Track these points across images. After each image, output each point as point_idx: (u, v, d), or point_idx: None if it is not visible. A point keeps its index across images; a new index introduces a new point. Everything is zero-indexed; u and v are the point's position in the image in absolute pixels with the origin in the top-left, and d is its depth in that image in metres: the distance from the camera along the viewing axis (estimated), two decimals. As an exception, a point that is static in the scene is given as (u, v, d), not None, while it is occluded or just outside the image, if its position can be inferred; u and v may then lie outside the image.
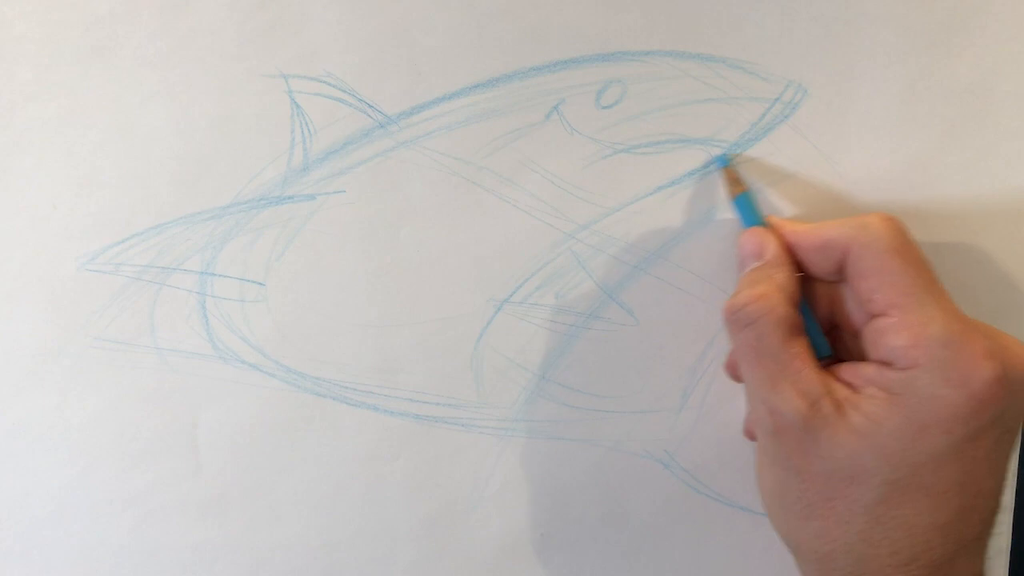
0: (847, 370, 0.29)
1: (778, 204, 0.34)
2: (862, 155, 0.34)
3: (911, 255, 0.28)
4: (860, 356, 0.30)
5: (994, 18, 0.33)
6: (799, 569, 0.31)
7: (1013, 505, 0.37)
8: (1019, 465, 0.37)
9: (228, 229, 0.34)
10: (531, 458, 0.36)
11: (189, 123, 0.33)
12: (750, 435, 0.35)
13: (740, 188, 0.33)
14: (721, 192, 0.34)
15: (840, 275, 0.30)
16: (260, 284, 0.34)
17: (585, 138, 0.33)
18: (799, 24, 0.33)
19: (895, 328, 0.28)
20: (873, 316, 0.29)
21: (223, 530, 0.36)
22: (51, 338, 0.34)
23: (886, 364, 0.28)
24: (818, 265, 0.30)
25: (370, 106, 0.33)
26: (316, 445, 0.36)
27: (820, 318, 0.32)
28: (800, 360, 0.29)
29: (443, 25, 0.32)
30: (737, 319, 0.30)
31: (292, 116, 0.33)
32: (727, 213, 0.34)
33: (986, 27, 0.33)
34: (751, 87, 0.33)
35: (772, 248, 0.31)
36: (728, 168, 0.33)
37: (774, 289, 0.30)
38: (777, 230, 0.32)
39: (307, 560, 0.37)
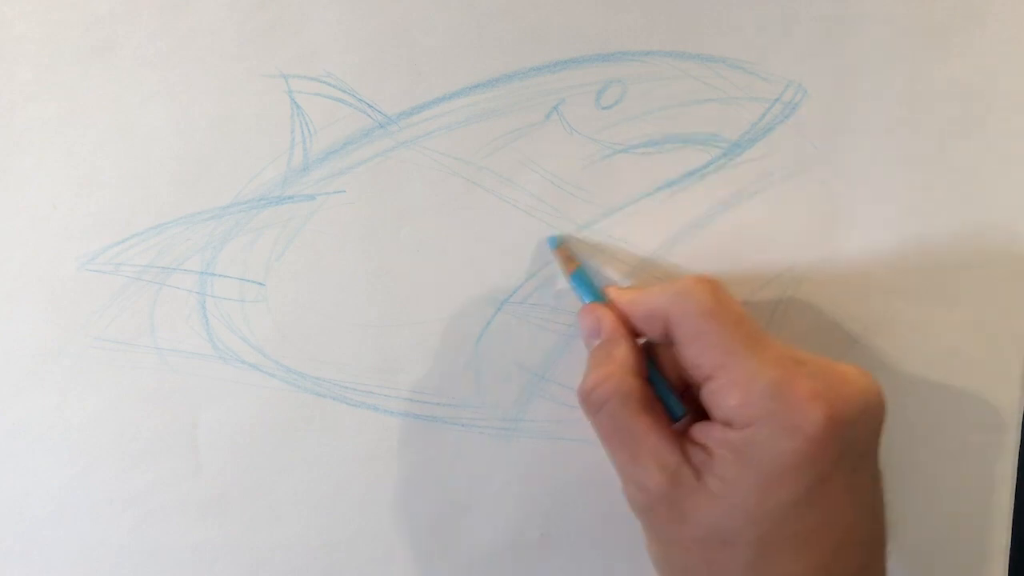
0: (700, 431, 0.29)
1: (782, 203, 0.34)
2: (862, 155, 0.34)
3: (726, 314, 0.29)
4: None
5: (994, 18, 0.33)
6: None
7: (1013, 505, 0.37)
8: (1019, 465, 0.37)
9: (228, 229, 0.34)
10: (531, 458, 0.36)
11: (189, 123, 0.33)
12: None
13: (574, 265, 0.33)
14: (559, 271, 0.34)
15: (669, 342, 0.31)
16: (260, 284, 0.34)
17: (585, 138, 0.33)
18: (799, 24, 0.33)
19: (724, 389, 0.28)
20: (705, 379, 0.29)
21: (223, 530, 0.36)
22: (51, 338, 0.34)
23: (727, 424, 0.28)
24: (653, 333, 0.31)
25: (370, 106, 0.33)
26: (316, 445, 0.36)
27: (670, 377, 0.32)
28: (655, 433, 0.29)
29: (443, 25, 0.32)
30: (589, 404, 0.31)
31: (292, 116, 0.33)
32: (727, 213, 0.34)
33: (986, 27, 0.33)
34: (751, 87, 0.33)
35: (607, 323, 0.31)
36: (560, 248, 0.34)
37: (616, 367, 0.30)
38: (616, 301, 0.32)
39: (307, 560, 0.37)
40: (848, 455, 0.28)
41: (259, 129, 0.33)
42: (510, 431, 0.36)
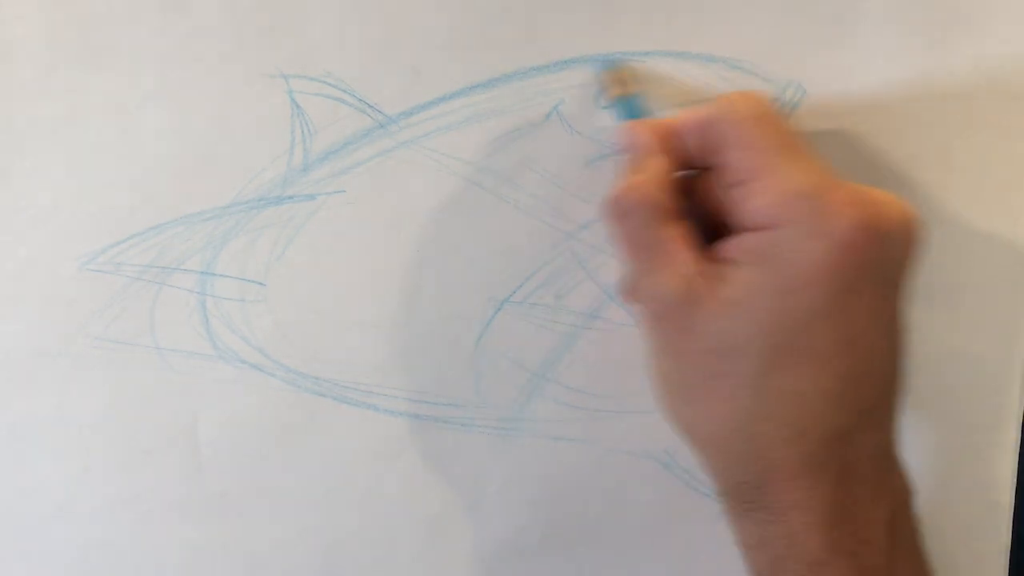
0: (725, 245, 0.28)
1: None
2: (862, 155, 0.34)
3: (770, 121, 0.28)
4: None
5: (994, 18, 0.33)
6: (698, 462, 0.30)
7: (1013, 505, 0.37)
8: (1019, 464, 0.37)
9: (228, 229, 0.34)
10: (531, 458, 0.36)
11: (189, 123, 0.33)
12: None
13: (623, 89, 0.32)
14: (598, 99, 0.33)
15: (714, 159, 0.30)
16: (260, 284, 0.34)
17: (585, 138, 0.33)
18: (799, 24, 0.33)
19: (757, 190, 0.27)
20: (740, 184, 0.28)
21: (223, 530, 0.36)
22: (51, 338, 0.34)
23: (752, 229, 0.27)
24: (697, 149, 0.30)
25: (370, 106, 0.33)
26: (316, 445, 0.36)
27: (708, 216, 0.31)
28: (673, 243, 0.28)
29: (443, 25, 0.32)
30: (614, 209, 0.29)
31: (292, 116, 0.33)
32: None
33: (986, 27, 0.33)
34: (751, 87, 0.33)
35: (643, 137, 0.30)
36: (612, 70, 0.32)
37: (645, 178, 0.29)
38: (657, 120, 0.31)
39: (307, 560, 0.37)
40: (877, 274, 0.26)
41: (259, 129, 0.33)
42: (510, 431, 0.36)
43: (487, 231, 0.34)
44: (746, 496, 0.28)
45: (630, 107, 0.32)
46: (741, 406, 0.27)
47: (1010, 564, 0.38)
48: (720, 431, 0.28)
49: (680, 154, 0.30)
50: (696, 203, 0.31)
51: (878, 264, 0.26)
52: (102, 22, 0.31)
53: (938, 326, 0.35)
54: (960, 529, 0.37)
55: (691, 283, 0.28)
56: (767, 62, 0.33)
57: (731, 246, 0.28)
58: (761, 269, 0.27)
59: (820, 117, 0.33)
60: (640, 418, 0.36)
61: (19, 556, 0.36)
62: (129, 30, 0.32)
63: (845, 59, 0.33)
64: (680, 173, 0.30)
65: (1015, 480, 0.37)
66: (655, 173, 0.29)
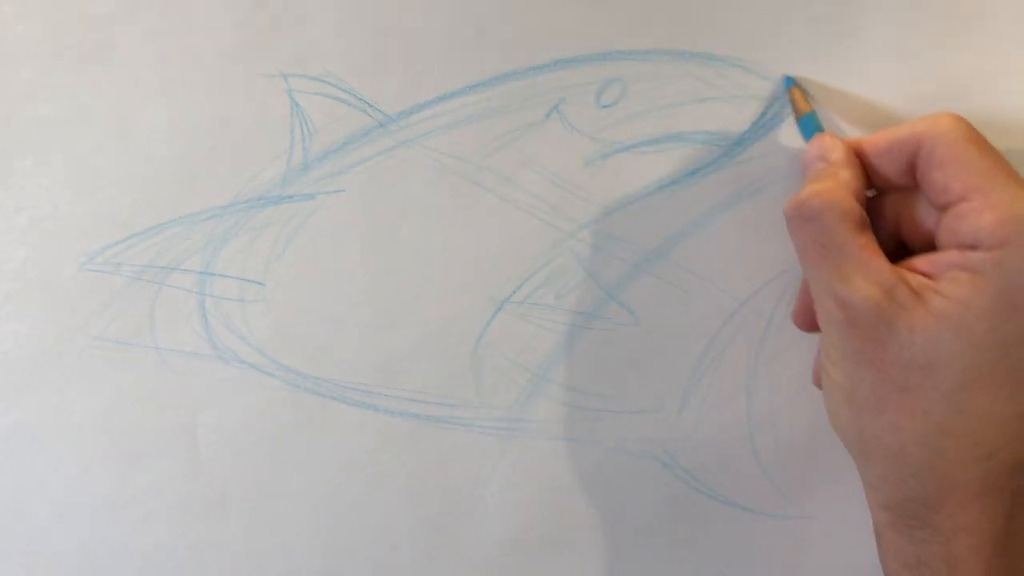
0: (921, 261, 0.28)
1: (782, 202, 0.34)
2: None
3: (984, 143, 0.28)
4: None
5: (994, 18, 0.33)
6: (863, 477, 0.29)
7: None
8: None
9: (228, 229, 0.34)
10: (531, 458, 0.36)
11: (189, 123, 0.33)
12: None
13: (808, 107, 0.32)
14: (789, 112, 0.33)
15: (910, 177, 0.29)
16: (260, 284, 0.34)
17: (585, 138, 0.33)
18: (799, 24, 0.33)
19: (978, 209, 0.27)
20: (956, 201, 0.28)
21: (223, 530, 0.36)
22: (51, 338, 0.34)
23: (970, 247, 0.27)
24: (888, 168, 0.30)
25: (370, 106, 0.33)
26: (316, 445, 0.36)
27: (886, 239, 0.31)
28: (869, 251, 0.28)
29: (443, 25, 0.32)
30: (800, 213, 0.29)
31: (292, 116, 0.33)
32: (727, 213, 0.34)
33: (986, 27, 0.33)
34: (751, 86, 0.33)
35: (839, 150, 0.30)
36: (794, 88, 0.33)
37: (838, 184, 0.29)
38: (848, 139, 0.31)
39: (307, 560, 0.37)
40: None
41: (259, 129, 0.33)
42: (510, 431, 0.36)
43: (487, 231, 0.34)
44: (913, 513, 0.28)
45: (816, 123, 0.32)
46: (933, 421, 0.27)
47: None
48: (904, 445, 0.28)
49: (873, 174, 0.30)
50: (880, 225, 0.31)
51: None
52: (102, 22, 0.32)
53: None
54: (961, 529, 0.37)
55: (891, 292, 0.27)
56: (767, 62, 0.33)
57: (938, 262, 0.28)
58: (979, 286, 0.26)
59: (820, 116, 0.33)
60: (640, 418, 0.36)
61: (19, 556, 0.36)
62: (129, 30, 0.32)
63: (845, 59, 0.33)
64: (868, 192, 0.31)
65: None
66: (847, 182, 0.29)
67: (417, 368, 0.35)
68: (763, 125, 0.33)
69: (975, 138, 0.28)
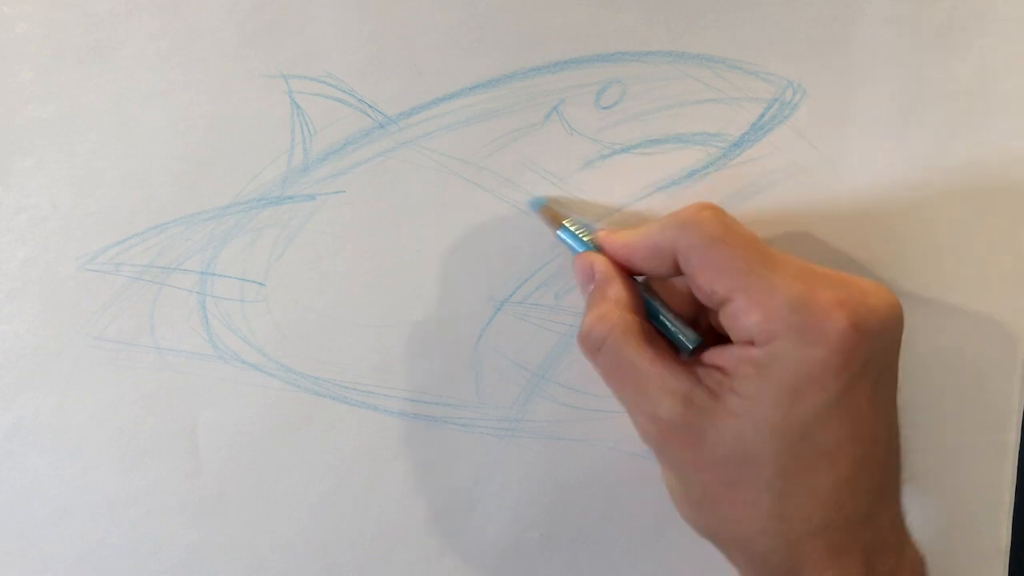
0: (715, 355, 0.29)
1: (781, 203, 0.34)
2: (862, 155, 0.34)
3: (737, 238, 0.28)
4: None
5: (994, 18, 0.33)
6: (730, 562, 0.30)
7: (1013, 505, 0.37)
8: (1019, 464, 0.37)
9: (228, 229, 0.34)
10: (531, 458, 0.36)
11: (189, 123, 0.33)
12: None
13: (558, 221, 0.33)
14: (547, 230, 0.34)
15: (679, 272, 0.30)
16: (260, 284, 0.34)
17: (585, 138, 0.33)
18: (799, 24, 0.33)
19: (744, 309, 0.28)
20: (722, 303, 0.28)
21: (223, 530, 0.36)
22: (51, 338, 0.34)
23: (749, 343, 0.28)
24: (657, 269, 0.30)
25: (370, 106, 0.33)
26: (316, 445, 0.36)
27: (683, 307, 0.32)
28: (660, 362, 0.29)
29: (443, 25, 0.32)
30: (588, 346, 0.30)
31: (292, 116, 0.33)
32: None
33: (986, 27, 0.33)
34: (751, 87, 0.33)
35: (600, 266, 0.31)
36: (543, 207, 0.33)
37: (611, 306, 0.30)
38: (608, 245, 0.32)
39: (307, 560, 0.37)
40: (871, 366, 0.27)
41: (259, 129, 0.33)
42: (510, 431, 0.36)
43: (487, 231, 0.34)
44: None
45: (571, 235, 0.33)
46: (763, 508, 0.28)
47: (1010, 564, 0.38)
48: (746, 533, 0.29)
49: (644, 271, 0.31)
50: (672, 300, 0.32)
51: (871, 358, 0.27)
52: (102, 22, 0.31)
53: (938, 327, 0.35)
54: (960, 529, 0.37)
55: (689, 399, 0.28)
56: (767, 62, 0.33)
57: (724, 357, 0.29)
58: (763, 379, 0.27)
59: (820, 117, 0.33)
60: (640, 418, 0.36)
61: (19, 556, 0.36)
62: (129, 30, 0.32)
63: (845, 59, 0.33)
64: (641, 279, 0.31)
65: (1015, 480, 0.37)
66: (618, 299, 0.30)
67: (417, 368, 0.35)
68: (762, 127, 0.33)
69: (725, 235, 0.28)
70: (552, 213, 0.33)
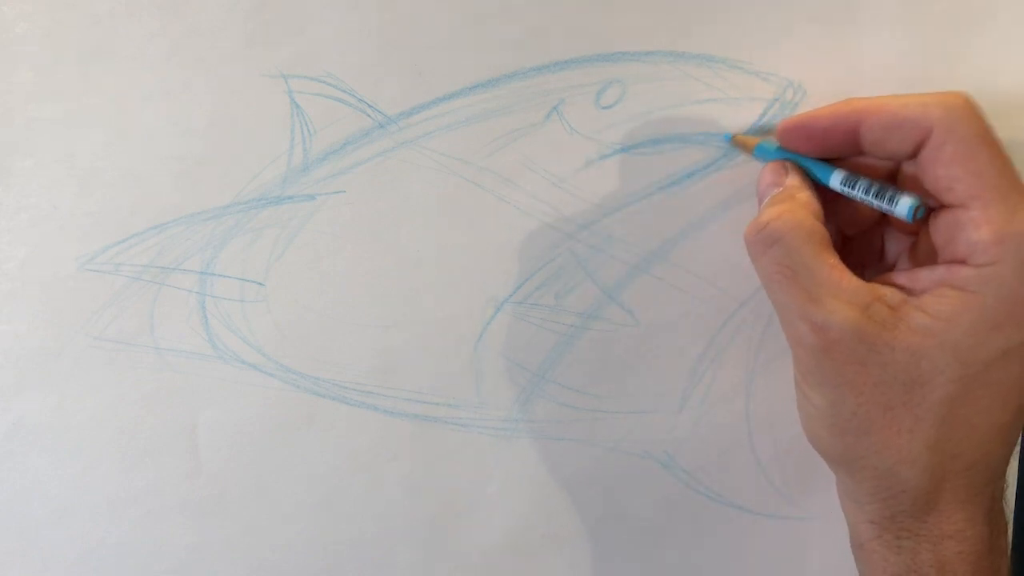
0: (900, 276, 0.28)
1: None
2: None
3: (997, 147, 0.27)
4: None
5: (994, 18, 0.33)
6: (846, 494, 0.29)
7: (1013, 505, 0.37)
8: (1019, 465, 0.37)
9: (228, 229, 0.34)
10: (531, 458, 0.36)
11: (189, 123, 0.33)
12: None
13: (753, 141, 0.32)
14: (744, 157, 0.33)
15: (910, 156, 0.28)
16: (260, 284, 0.34)
17: (585, 138, 0.33)
18: (799, 24, 0.33)
19: (975, 221, 0.26)
20: (954, 205, 0.27)
21: (223, 530, 0.36)
22: (51, 338, 0.34)
23: (958, 262, 0.27)
24: (884, 144, 0.28)
25: (370, 106, 0.33)
26: (316, 445, 0.36)
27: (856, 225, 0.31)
28: (839, 270, 0.27)
29: (443, 25, 0.32)
30: (762, 237, 0.29)
31: (292, 116, 0.33)
32: (727, 213, 0.34)
33: (986, 27, 0.33)
34: (751, 87, 0.33)
35: (792, 175, 0.30)
36: (734, 137, 0.33)
37: (798, 205, 0.29)
38: (845, 107, 0.29)
39: (307, 560, 0.37)
40: None
41: (259, 129, 0.33)
42: (510, 431, 0.36)
43: (487, 231, 0.34)
44: (903, 525, 0.28)
45: (769, 151, 0.32)
46: (920, 437, 0.27)
47: (1010, 564, 0.38)
48: (893, 464, 0.28)
49: (864, 143, 0.29)
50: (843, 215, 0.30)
51: None
52: (102, 22, 0.31)
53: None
54: (960, 529, 0.37)
55: (869, 311, 0.27)
56: (767, 62, 0.33)
57: (920, 278, 0.28)
58: (965, 303, 0.26)
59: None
60: (640, 418, 0.36)
61: (19, 556, 0.36)
62: (129, 30, 0.32)
63: (845, 59, 0.33)
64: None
65: (1015, 480, 0.37)
66: (806, 202, 0.29)
67: (417, 368, 0.35)
68: (762, 127, 0.33)
69: (987, 137, 0.27)
70: (742, 141, 0.32)
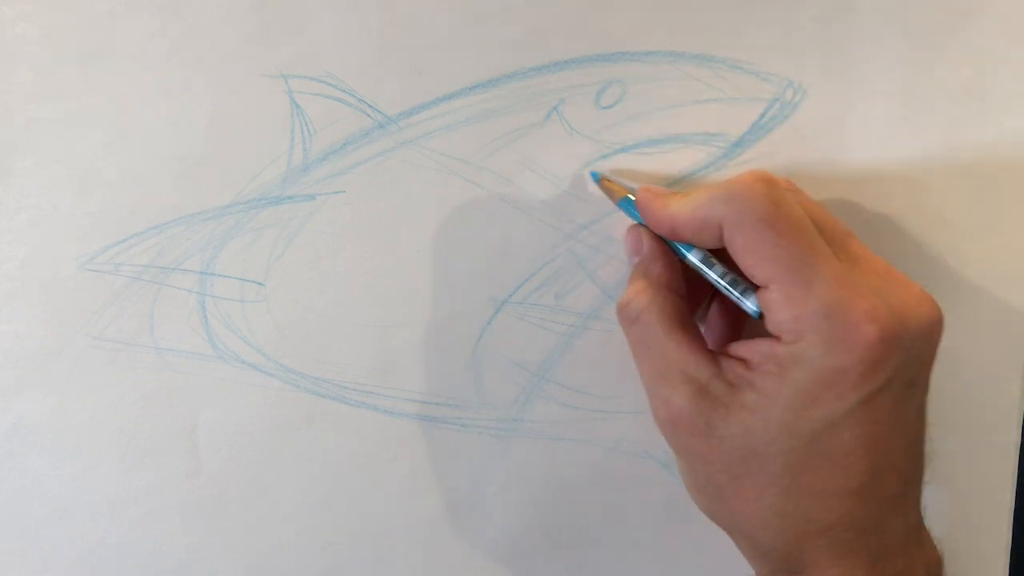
0: (744, 347, 0.29)
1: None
2: (862, 156, 0.34)
3: (783, 222, 0.27)
4: None
5: (993, 18, 0.33)
6: (737, 548, 0.31)
7: (1013, 505, 0.37)
8: (1019, 465, 0.37)
9: (228, 229, 0.34)
10: (531, 458, 0.36)
11: (189, 123, 0.33)
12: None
13: (620, 193, 0.33)
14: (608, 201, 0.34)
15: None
16: (260, 284, 0.34)
17: (585, 138, 0.33)
18: (799, 24, 0.33)
19: (777, 303, 0.27)
20: (760, 289, 0.28)
21: (223, 530, 0.36)
22: (51, 338, 0.34)
23: (776, 338, 0.28)
24: (705, 243, 0.29)
25: (370, 106, 0.33)
26: (316, 445, 0.36)
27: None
28: (686, 347, 0.29)
29: (443, 25, 0.32)
30: (623, 316, 0.31)
31: (292, 116, 0.33)
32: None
33: (986, 27, 0.33)
34: (751, 87, 0.33)
35: (647, 241, 0.32)
36: (602, 180, 0.33)
37: (651, 283, 0.30)
38: (653, 217, 0.31)
39: (307, 560, 0.37)
40: (897, 379, 0.27)
41: (259, 129, 0.33)
42: (510, 431, 0.36)
43: (487, 231, 0.34)
44: None
45: (631, 211, 0.32)
46: (766, 505, 0.28)
47: (1010, 564, 0.38)
48: (749, 525, 0.29)
49: (691, 242, 0.30)
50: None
51: (899, 370, 0.27)
52: (102, 22, 0.31)
53: (938, 326, 0.35)
54: (960, 529, 0.37)
55: (706, 389, 0.28)
56: (767, 62, 0.33)
57: (751, 350, 0.28)
58: (781, 378, 0.27)
59: (820, 117, 0.33)
60: (640, 418, 0.36)
61: (19, 556, 0.36)
62: (129, 30, 0.32)
63: (845, 59, 0.33)
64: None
65: (1015, 480, 0.37)
66: (659, 277, 0.31)
67: (417, 368, 0.35)
68: (762, 127, 0.33)
69: (774, 218, 0.27)
70: (611, 186, 0.33)
